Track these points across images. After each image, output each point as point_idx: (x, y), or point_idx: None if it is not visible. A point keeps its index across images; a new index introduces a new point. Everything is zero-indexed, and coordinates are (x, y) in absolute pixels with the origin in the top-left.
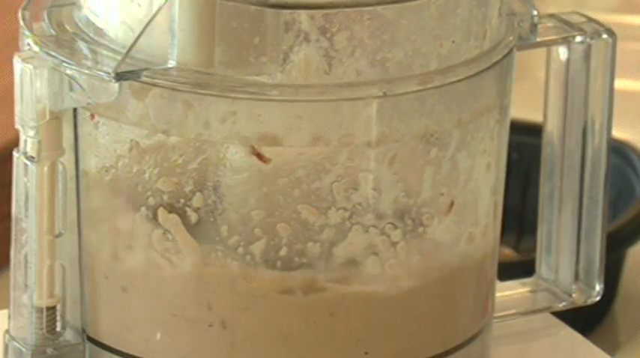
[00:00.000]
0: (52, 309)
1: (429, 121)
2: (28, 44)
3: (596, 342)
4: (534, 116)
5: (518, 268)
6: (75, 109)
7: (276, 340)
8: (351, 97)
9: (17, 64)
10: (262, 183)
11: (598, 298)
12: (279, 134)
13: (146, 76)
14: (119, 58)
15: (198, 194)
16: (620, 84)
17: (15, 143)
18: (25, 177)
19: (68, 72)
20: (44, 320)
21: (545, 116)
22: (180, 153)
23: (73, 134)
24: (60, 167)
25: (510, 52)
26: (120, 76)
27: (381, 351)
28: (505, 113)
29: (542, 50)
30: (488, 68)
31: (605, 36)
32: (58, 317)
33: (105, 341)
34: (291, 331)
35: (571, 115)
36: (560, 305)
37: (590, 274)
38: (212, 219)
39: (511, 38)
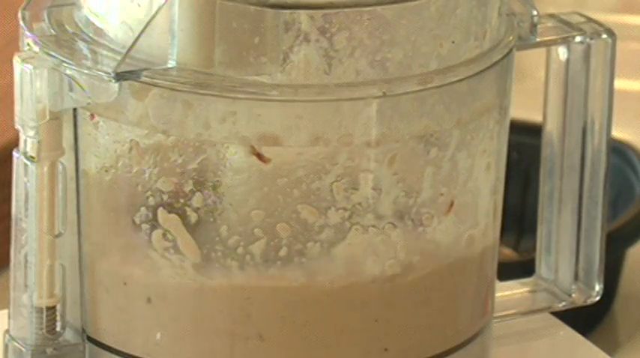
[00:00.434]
0: (51, 309)
1: (428, 121)
2: (28, 44)
3: (596, 342)
4: (534, 116)
5: (518, 268)
6: (75, 109)
7: (276, 340)
8: (350, 97)
9: (17, 64)
10: (262, 183)
11: (598, 298)
12: (278, 134)
13: (146, 76)
14: (119, 58)
15: (198, 194)
16: (620, 84)
17: (15, 143)
18: (25, 177)
19: (68, 72)
20: (44, 320)
21: (544, 116)
22: (180, 153)
23: (73, 134)
24: (60, 167)
25: (510, 52)
26: (120, 76)
27: (381, 351)
28: (505, 113)
29: (542, 50)
30: (488, 68)
31: (604, 36)
32: (58, 317)
33: (105, 341)
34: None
35: (571, 115)
36: (560, 305)
37: (590, 274)
38: (212, 219)
39: (511, 38)
